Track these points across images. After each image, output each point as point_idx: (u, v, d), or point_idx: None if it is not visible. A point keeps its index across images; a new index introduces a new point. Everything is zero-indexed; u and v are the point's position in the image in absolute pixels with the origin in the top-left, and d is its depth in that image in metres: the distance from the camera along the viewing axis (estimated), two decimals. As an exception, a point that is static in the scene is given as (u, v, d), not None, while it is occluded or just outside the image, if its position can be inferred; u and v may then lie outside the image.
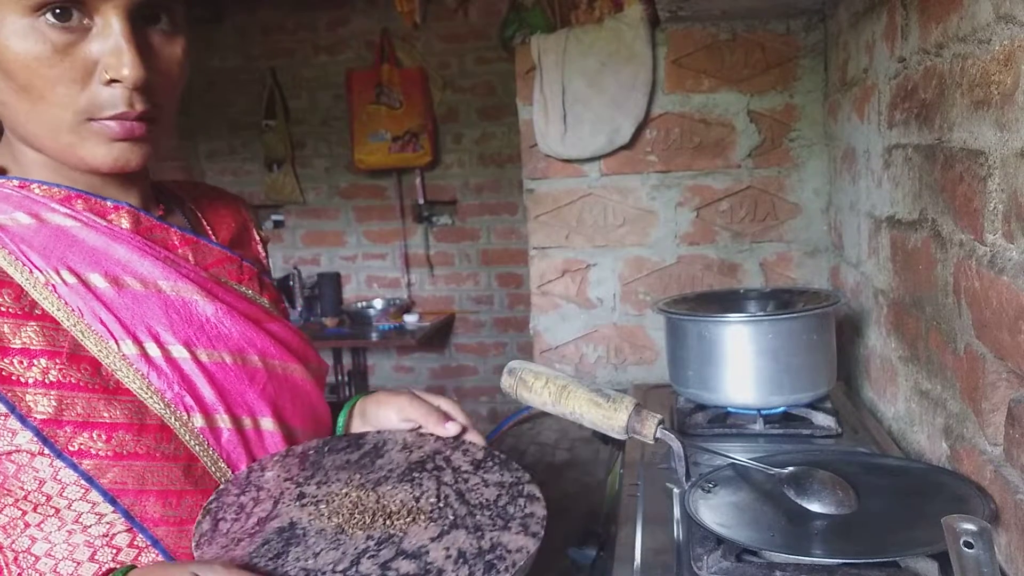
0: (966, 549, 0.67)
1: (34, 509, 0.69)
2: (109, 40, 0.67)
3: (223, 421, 0.75)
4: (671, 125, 1.86)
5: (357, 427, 0.92)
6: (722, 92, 1.84)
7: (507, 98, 3.43)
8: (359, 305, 3.78)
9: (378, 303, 3.78)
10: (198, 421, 0.74)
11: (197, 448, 0.73)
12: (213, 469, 0.74)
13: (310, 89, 3.87)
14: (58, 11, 0.65)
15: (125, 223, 0.76)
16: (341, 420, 0.92)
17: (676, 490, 0.99)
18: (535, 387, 0.98)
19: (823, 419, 1.26)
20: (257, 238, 0.96)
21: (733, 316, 1.32)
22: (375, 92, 3.64)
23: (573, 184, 1.92)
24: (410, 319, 3.63)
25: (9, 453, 0.67)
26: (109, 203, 0.75)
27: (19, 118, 0.70)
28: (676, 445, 0.94)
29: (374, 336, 3.56)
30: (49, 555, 0.69)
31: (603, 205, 1.92)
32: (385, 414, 0.89)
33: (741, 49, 1.82)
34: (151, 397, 0.71)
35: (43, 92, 0.67)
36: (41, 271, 0.70)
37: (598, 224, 1.93)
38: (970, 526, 0.68)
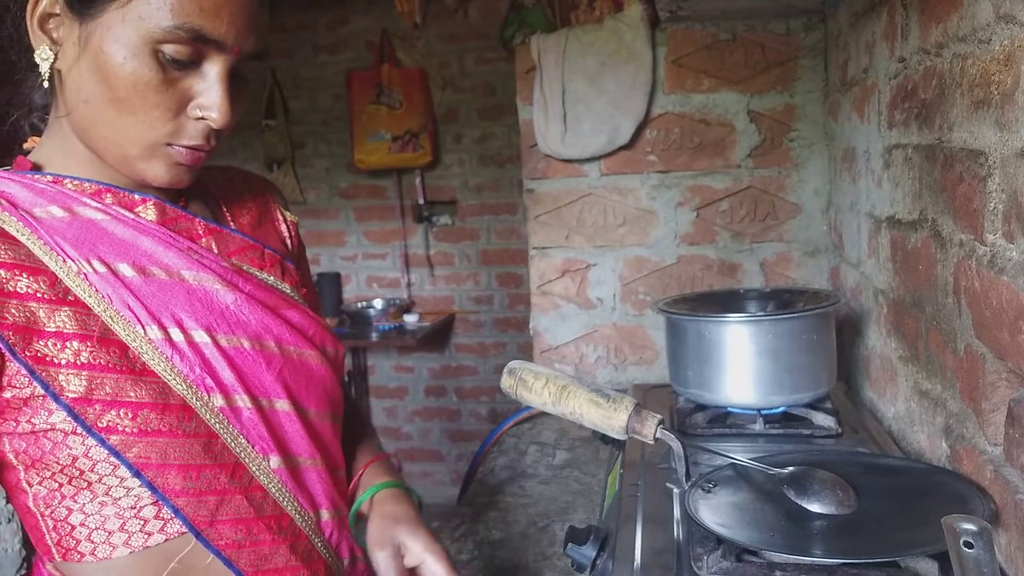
0: (966, 549, 0.67)
1: (69, 482, 0.74)
2: (207, 83, 0.74)
3: (242, 401, 0.80)
4: (671, 125, 1.86)
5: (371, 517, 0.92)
6: (722, 92, 1.84)
7: (507, 98, 3.43)
8: (359, 305, 3.78)
9: (378, 303, 3.78)
10: (218, 401, 0.78)
11: (217, 426, 0.78)
12: (233, 444, 0.79)
13: (310, 89, 3.87)
14: (179, 51, 0.71)
15: (151, 215, 0.80)
16: (363, 499, 0.94)
17: (676, 490, 0.99)
18: (535, 387, 0.98)
19: (823, 419, 1.26)
20: (282, 220, 0.98)
21: (733, 316, 1.32)
22: (375, 92, 3.64)
23: (573, 184, 1.92)
24: (410, 319, 3.63)
25: (45, 431, 0.72)
26: (136, 196, 0.80)
27: (96, 120, 0.75)
28: (676, 445, 0.94)
29: (374, 336, 3.56)
30: (83, 525, 0.75)
31: (603, 205, 1.92)
32: (379, 535, 0.90)
33: (741, 49, 1.82)
34: (174, 378, 0.76)
35: (137, 111, 0.73)
36: (74, 260, 0.74)
37: (598, 224, 1.93)
38: (970, 526, 0.68)
